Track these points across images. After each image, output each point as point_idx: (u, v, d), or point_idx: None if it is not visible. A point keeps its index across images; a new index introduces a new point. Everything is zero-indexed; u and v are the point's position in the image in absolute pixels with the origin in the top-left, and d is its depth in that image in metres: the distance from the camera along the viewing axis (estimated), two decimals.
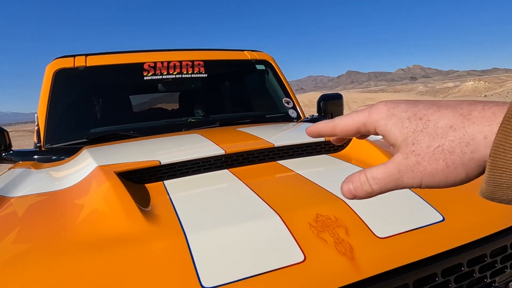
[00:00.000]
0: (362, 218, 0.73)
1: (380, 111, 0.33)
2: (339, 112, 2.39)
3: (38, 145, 1.66)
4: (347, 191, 0.35)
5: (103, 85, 2.05)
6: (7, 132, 1.70)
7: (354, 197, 0.34)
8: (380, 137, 1.43)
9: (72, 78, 1.94)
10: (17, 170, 1.35)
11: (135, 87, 2.13)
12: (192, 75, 2.11)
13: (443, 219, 0.76)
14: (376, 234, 0.70)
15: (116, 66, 2.01)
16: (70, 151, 1.56)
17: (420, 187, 0.31)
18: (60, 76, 1.89)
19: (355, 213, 0.74)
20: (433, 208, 0.78)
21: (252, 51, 2.43)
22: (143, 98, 2.22)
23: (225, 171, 1.02)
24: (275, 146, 1.14)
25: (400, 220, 0.74)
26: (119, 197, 0.80)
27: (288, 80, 2.45)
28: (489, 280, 0.77)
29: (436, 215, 0.77)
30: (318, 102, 2.35)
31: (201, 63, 2.15)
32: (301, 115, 2.26)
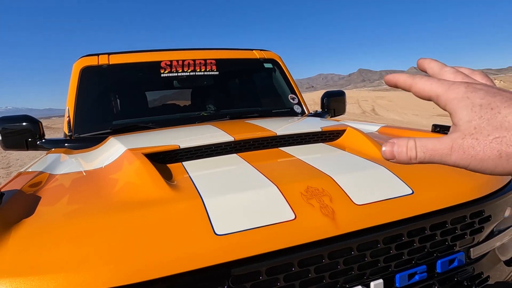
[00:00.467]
0: (344, 190, 0.90)
1: (459, 91, 0.33)
2: (341, 109, 2.55)
3: (69, 134, 1.87)
4: (389, 152, 0.36)
5: (124, 81, 2.25)
6: (41, 123, 1.91)
7: (393, 159, 0.36)
8: (372, 129, 1.59)
9: (97, 75, 2.14)
10: (54, 155, 1.56)
11: (153, 84, 2.33)
12: (205, 73, 2.29)
13: (412, 192, 0.93)
14: (354, 201, 0.87)
15: (136, 64, 2.20)
16: (97, 140, 1.75)
17: (466, 168, 0.33)
18: (86, 73, 2.10)
19: (339, 186, 0.91)
20: (404, 183, 0.95)
21: (261, 50, 2.60)
22: (154, 95, 2.41)
23: (234, 155, 1.20)
24: (277, 134, 1.31)
25: (375, 192, 0.91)
26: (148, 171, 0.98)
27: (298, 78, 2.64)
28: (450, 243, 0.94)
29: (406, 189, 0.93)
30: (322, 99, 2.51)
31: (213, 61, 2.33)
32: (306, 111, 2.43)
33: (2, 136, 1.85)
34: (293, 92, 2.50)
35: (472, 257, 0.99)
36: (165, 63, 2.24)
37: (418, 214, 0.89)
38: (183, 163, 1.15)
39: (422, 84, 0.37)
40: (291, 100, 2.44)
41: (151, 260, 0.69)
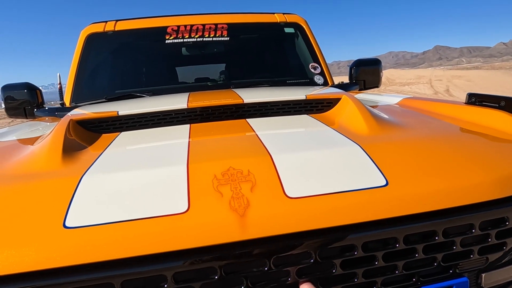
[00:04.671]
0: (280, 175, 0.63)
1: None
2: (375, 82, 2.15)
3: (60, 102, 1.79)
4: None
5: (128, 48, 2.12)
6: (40, 90, 1.86)
7: None
8: (391, 101, 1.22)
9: (101, 42, 2.03)
10: (30, 122, 1.47)
11: (157, 51, 2.16)
12: (214, 39, 2.06)
13: (386, 184, 0.62)
14: (286, 192, 0.60)
15: (141, 30, 2.05)
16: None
17: None
18: (91, 40, 2.00)
19: (275, 169, 0.64)
20: (377, 169, 0.64)
21: (284, 14, 2.28)
22: (164, 63, 2.25)
23: (186, 126, 0.97)
24: (244, 102, 1.05)
25: (328, 180, 0.62)
26: (53, 141, 0.81)
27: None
28: (443, 264, 0.62)
29: (378, 178, 0.63)
30: (350, 68, 2.14)
31: (224, 26, 2.08)
32: (329, 81, 2.08)
33: (5, 104, 1.84)
34: (316, 60, 2.15)
35: (483, 286, 0.65)
36: (172, 29, 2.05)
37: (385, 218, 0.59)
38: (122, 133, 0.96)
39: None
40: (312, 70, 2.10)
41: None
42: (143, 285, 0.53)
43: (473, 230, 0.62)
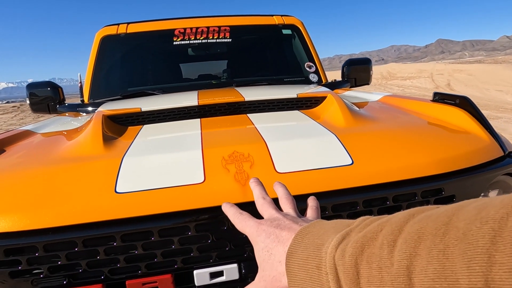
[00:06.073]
0: (272, 157, 0.84)
1: (260, 238, 0.49)
2: (365, 79, 2.34)
3: (81, 99, 2.00)
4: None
5: (139, 50, 2.32)
6: (62, 88, 2.07)
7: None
8: (373, 98, 1.43)
9: (114, 44, 2.23)
10: (58, 117, 1.69)
11: (166, 52, 2.36)
12: (217, 40, 2.26)
13: (352, 163, 0.83)
14: (276, 169, 0.81)
15: (150, 32, 2.25)
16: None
17: None
18: (105, 42, 2.20)
19: (269, 152, 0.85)
20: (346, 153, 0.85)
21: (282, 16, 2.47)
22: (172, 64, 2.45)
23: (197, 120, 1.18)
24: (245, 100, 1.25)
25: (307, 161, 0.83)
26: (92, 130, 1.02)
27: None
28: None
29: (346, 159, 0.84)
30: (342, 67, 2.33)
31: (227, 28, 2.28)
32: (323, 79, 2.28)
33: (29, 100, 2.05)
34: (312, 60, 2.35)
35: None
36: (179, 31, 2.24)
37: (349, 187, 0.80)
38: (145, 125, 1.17)
39: (236, 222, 0.56)
40: (308, 69, 2.30)
41: (52, 210, 0.73)
42: (174, 233, 0.74)
43: (416, 197, 0.83)
